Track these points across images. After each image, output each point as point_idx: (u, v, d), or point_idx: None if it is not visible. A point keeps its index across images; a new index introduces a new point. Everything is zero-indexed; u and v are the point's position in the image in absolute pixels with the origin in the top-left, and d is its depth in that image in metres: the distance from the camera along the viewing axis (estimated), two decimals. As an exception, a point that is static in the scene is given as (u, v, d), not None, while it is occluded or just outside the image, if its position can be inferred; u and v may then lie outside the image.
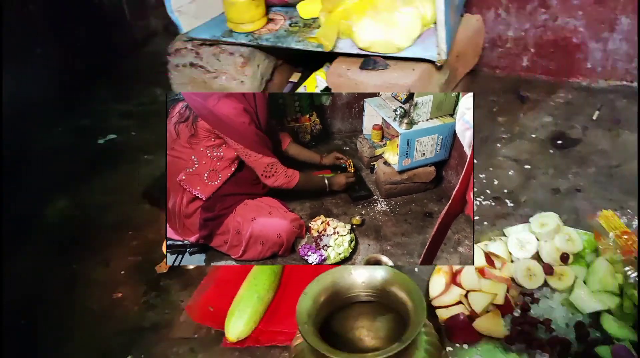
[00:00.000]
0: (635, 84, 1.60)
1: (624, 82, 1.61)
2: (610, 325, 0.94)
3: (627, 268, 0.97)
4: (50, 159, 1.61)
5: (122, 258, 1.26)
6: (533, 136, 1.49)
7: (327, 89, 1.40)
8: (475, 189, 1.33)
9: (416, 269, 1.14)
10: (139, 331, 1.08)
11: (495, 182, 1.35)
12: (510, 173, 1.37)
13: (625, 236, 0.98)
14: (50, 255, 1.29)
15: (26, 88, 1.76)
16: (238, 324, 1.02)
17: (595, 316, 0.97)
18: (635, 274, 0.96)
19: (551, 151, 1.43)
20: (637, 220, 1.06)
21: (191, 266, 1.22)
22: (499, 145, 1.47)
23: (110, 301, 1.16)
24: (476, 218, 1.25)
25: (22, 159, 1.60)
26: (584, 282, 1.01)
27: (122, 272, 1.23)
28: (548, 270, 1.03)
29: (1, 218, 1.33)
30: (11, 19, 1.69)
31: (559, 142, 1.45)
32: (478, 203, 1.29)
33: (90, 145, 1.66)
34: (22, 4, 1.72)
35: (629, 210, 1.04)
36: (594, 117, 1.51)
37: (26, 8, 1.74)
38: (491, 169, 1.39)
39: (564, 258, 1.04)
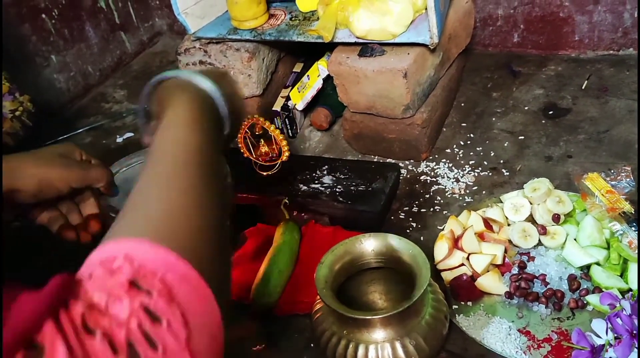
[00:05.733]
0: (621, 52, 1.68)
1: (611, 52, 1.69)
2: (599, 275, 1.04)
3: (612, 224, 1.07)
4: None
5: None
6: (526, 108, 1.57)
7: (329, 77, 1.49)
8: (473, 162, 1.42)
9: (421, 237, 1.24)
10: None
11: (492, 154, 1.44)
12: (505, 144, 1.46)
13: (609, 195, 1.07)
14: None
15: (43, 94, 1.86)
16: (262, 295, 1.13)
17: (586, 268, 1.07)
18: (619, 228, 1.05)
19: (543, 121, 1.52)
20: (622, 183, 1.14)
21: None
22: (494, 119, 1.56)
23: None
24: (474, 188, 1.35)
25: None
26: (575, 239, 1.10)
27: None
28: (542, 230, 1.13)
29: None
30: (25, 28, 1.79)
31: (551, 112, 1.54)
32: (476, 174, 1.39)
33: (110, 144, 1.76)
34: (35, 14, 1.82)
35: (612, 171, 1.13)
36: (583, 87, 1.59)
37: (39, 17, 1.83)
38: (487, 142, 1.49)
39: (556, 218, 1.13)
